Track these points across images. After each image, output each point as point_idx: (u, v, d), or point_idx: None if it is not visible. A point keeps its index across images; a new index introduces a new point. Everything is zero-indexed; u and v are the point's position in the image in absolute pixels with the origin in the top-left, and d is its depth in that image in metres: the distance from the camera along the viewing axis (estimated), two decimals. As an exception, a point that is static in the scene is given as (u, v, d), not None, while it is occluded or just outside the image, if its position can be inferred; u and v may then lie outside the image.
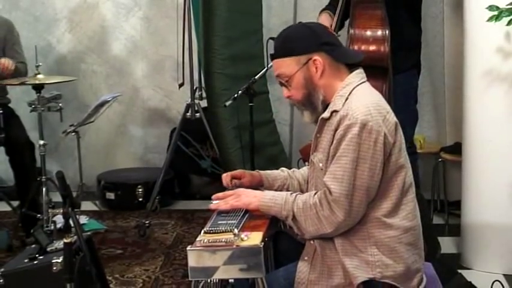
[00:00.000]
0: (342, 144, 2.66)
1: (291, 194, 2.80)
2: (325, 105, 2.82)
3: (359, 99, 2.72)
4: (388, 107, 2.77)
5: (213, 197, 2.92)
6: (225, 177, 3.13)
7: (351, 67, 2.87)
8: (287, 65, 2.81)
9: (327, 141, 2.75)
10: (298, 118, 6.51)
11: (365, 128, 2.64)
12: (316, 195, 2.71)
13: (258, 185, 3.10)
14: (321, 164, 2.78)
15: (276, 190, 3.08)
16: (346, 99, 2.74)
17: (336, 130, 2.70)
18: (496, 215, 4.56)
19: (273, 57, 2.86)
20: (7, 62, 5.18)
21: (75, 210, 2.76)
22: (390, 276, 2.70)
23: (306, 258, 2.81)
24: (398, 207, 2.74)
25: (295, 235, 2.88)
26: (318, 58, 2.78)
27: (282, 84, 2.87)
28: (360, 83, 2.81)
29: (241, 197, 2.84)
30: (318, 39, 2.81)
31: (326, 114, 2.78)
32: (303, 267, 2.79)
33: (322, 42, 2.81)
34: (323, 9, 4.68)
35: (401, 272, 2.72)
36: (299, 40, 2.81)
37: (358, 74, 2.84)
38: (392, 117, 2.74)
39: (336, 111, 2.74)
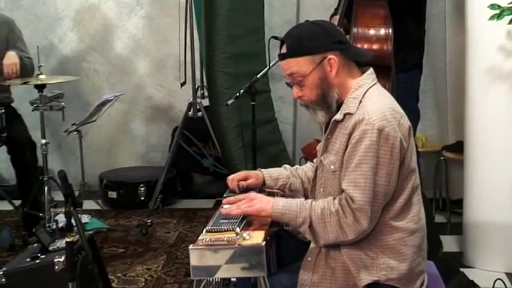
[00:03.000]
0: (358, 149, 2.63)
1: (306, 200, 2.76)
2: (338, 105, 2.80)
3: (374, 103, 2.69)
4: (401, 111, 2.75)
5: (224, 201, 2.87)
6: (231, 181, 3.09)
7: (360, 66, 2.85)
8: (301, 64, 2.75)
9: (340, 144, 2.72)
10: (300, 117, 6.51)
11: (382, 133, 2.62)
12: (336, 202, 2.67)
13: (261, 185, 3.09)
14: (332, 167, 2.75)
15: (278, 189, 3.07)
16: (360, 102, 2.71)
17: (350, 134, 2.66)
18: (498, 213, 4.56)
19: (285, 56, 2.79)
20: (12, 64, 5.19)
21: (77, 209, 2.76)
22: (394, 278, 2.70)
23: (309, 259, 2.79)
24: (405, 210, 2.73)
25: (297, 234, 2.87)
26: (333, 57, 2.74)
27: (292, 84, 2.82)
28: (372, 85, 2.79)
29: (253, 202, 2.77)
30: (331, 37, 2.78)
31: (339, 117, 2.74)
32: (306, 269, 2.78)
33: (335, 41, 2.78)
34: (332, 15, 4.65)
35: (406, 274, 2.72)
36: (313, 39, 2.76)
37: (370, 75, 2.81)
38: (406, 122, 2.72)
39: (349, 113, 2.71)
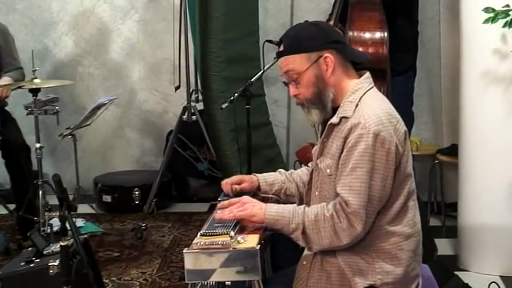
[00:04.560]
0: (353, 153, 2.63)
1: (298, 206, 2.75)
2: (334, 107, 2.79)
3: (370, 107, 2.69)
4: (398, 116, 2.75)
5: (218, 205, 2.87)
6: (225, 185, 3.09)
7: (356, 70, 2.85)
8: (298, 62, 2.76)
9: (336, 147, 2.72)
10: (294, 121, 6.51)
11: (378, 138, 2.62)
12: (330, 207, 2.66)
13: (256, 190, 3.09)
14: (328, 170, 2.74)
15: (273, 194, 3.07)
16: (357, 105, 2.71)
17: (346, 138, 2.66)
18: (493, 216, 4.57)
19: (282, 54, 2.80)
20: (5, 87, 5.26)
21: (72, 213, 2.76)
22: (390, 282, 2.69)
23: (304, 262, 2.79)
24: (400, 215, 2.72)
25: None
26: (329, 55, 2.74)
27: (288, 82, 2.82)
28: (369, 89, 2.78)
29: (245, 207, 2.76)
30: (327, 37, 2.79)
31: (335, 120, 2.74)
32: (301, 272, 2.78)
33: (332, 40, 2.78)
34: (327, 20, 4.65)
35: (401, 278, 2.72)
36: (309, 37, 2.77)
37: (367, 79, 2.81)
38: (402, 127, 2.72)
39: (345, 117, 2.71)
